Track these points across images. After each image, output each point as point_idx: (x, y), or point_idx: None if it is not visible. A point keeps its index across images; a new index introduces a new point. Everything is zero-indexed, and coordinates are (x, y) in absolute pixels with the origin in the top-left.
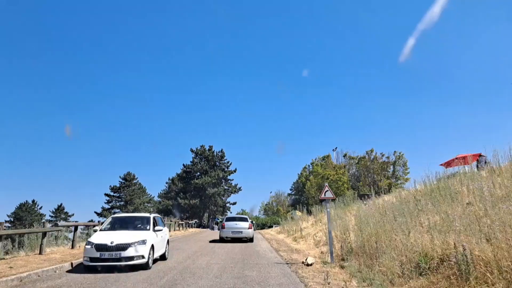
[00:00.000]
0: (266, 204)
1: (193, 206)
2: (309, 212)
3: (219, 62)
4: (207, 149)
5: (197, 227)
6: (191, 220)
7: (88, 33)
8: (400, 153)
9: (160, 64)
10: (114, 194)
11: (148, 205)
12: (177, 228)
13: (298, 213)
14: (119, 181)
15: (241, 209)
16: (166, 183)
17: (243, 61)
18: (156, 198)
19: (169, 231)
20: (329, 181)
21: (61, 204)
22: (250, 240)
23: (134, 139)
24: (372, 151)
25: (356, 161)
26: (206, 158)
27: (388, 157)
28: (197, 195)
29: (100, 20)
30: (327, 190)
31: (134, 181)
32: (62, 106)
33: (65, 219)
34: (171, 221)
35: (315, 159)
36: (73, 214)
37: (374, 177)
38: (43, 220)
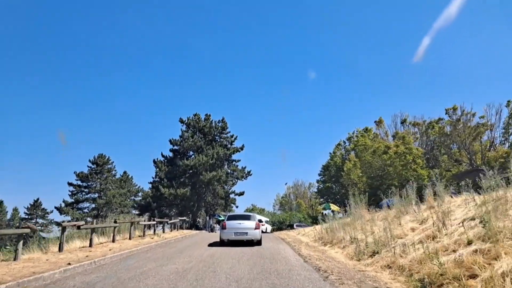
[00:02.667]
0: (282, 197)
1: (182, 197)
2: (375, 205)
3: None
4: (202, 118)
5: (189, 228)
6: (172, 219)
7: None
8: None
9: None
10: (81, 184)
11: (134, 198)
12: (141, 234)
13: (333, 207)
14: (88, 167)
15: (251, 204)
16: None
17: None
18: (146, 189)
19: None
20: (390, 156)
21: (38, 199)
22: (258, 243)
23: (123, 124)
24: (455, 108)
25: (423, 129)
26: (201, 130)
27: (483, 116)
28: (188, 182)
29: None
30: None
31: (108, 166)
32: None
33: (43, 217)
34: (115, 222)
35: (353, 133)
36: (52, 211)
37: (467, 146)
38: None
